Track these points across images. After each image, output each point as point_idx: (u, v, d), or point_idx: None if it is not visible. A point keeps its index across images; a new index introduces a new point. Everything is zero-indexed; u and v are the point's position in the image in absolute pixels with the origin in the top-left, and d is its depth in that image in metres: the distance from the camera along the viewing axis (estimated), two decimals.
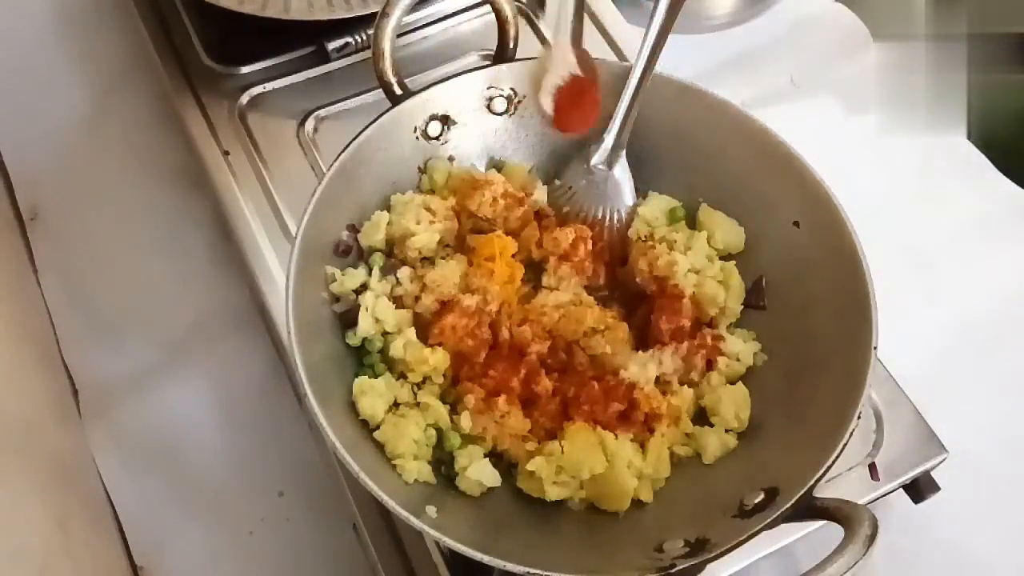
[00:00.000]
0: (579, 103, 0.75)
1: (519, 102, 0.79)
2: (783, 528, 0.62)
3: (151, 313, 0.91)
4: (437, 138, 0.78)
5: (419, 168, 0.78)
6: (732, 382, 0.71)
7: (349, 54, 0.94)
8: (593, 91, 0.74)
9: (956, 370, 0.87)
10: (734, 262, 0.75)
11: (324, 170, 0.71)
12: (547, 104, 0.75)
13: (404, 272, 0.72)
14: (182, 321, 0.91)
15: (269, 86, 0.93)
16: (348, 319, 0.71)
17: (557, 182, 0.79)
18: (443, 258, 0.74)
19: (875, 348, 0.64)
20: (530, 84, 0.76)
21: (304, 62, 0.94)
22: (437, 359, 0.69)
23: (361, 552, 0.77)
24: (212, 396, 0.87)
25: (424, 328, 0.71)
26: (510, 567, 0.58)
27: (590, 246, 0.75)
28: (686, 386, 0.71)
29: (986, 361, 0.88)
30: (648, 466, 0.68)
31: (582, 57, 0.74)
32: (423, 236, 0.73)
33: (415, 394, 0.69)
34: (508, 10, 0.77)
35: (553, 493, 0.66)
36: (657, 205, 0.77)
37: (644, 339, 0.73)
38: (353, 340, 0.70)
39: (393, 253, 0.75)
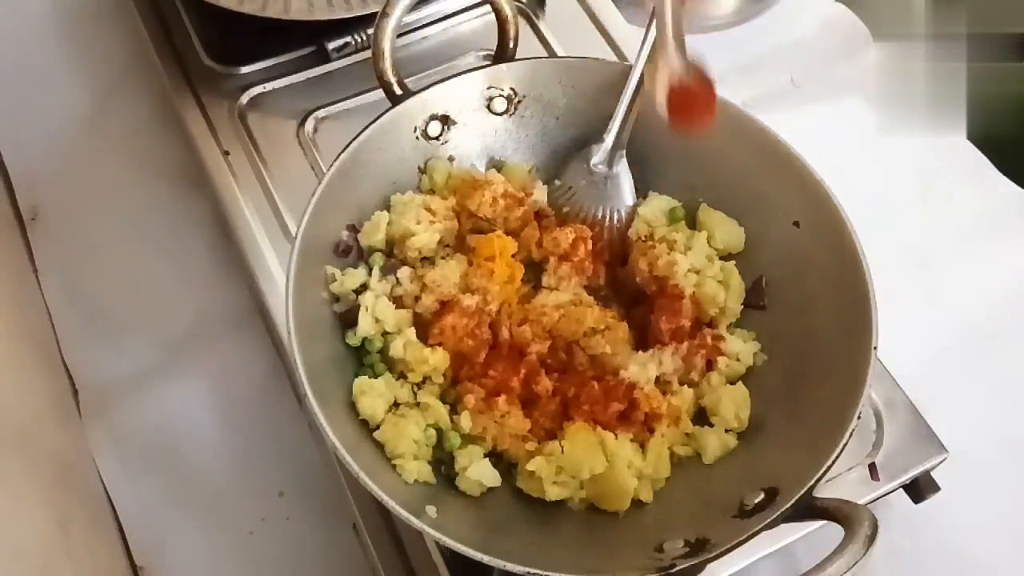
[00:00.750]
0: (693, 103, 0.71)
1: (519, 102, 0.79)
2: (783, 528, 0.62)
3: (151, 313, 0.91)
4: (437, 138, 0.78)
5: (419, 168, 0.78)
6: (732, 382, 0.71)
7: (349, 54, 0.94)
8: (706, 87, 0.71)
9: (956, 370, 0.87)
10: (734, 262, 0.75)
11: (324, 170, 0.71)
12: (662, 106, 0.71)
13: (404, 272, 0.72)
14: (182, 321, 0.91)
15: (269, 86, 0.93)
16: (348, 319, 0.71)
17: (557, 182, 0.79)
18: (443, 258, 0.74)
19: (875, 348, 0.64)
20: (646, 85, 0.74)
21: (304, 62, 0.94)
22: (437, 359, 0.69)
23: (361, 552, 0.77)
24: (212, 396, 0.87)
25: (424, 328, 0.71)
26: (510, 567, 0.58)
27: (590, 246, 0.75)
28: (686, 386, 0.71)
29: (986, 361, 0.88)
30: (648, 466, 0.68)
31: (688, 62, 0.71)
32: (423, 236, 0.73)
33: (415, 394, 0.69)
34: (508, 10, 0.77)
35: (553, 493, 0.66)
36: (657, 205, 0.77)
37: (644, 339, 0.73)
38: (353, 340, 0.70)
39: (393, 253, 0.75)
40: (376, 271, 0.73)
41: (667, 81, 0.70)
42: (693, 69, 0.70)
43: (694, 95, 0.70)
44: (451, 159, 0.79)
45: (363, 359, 0.71)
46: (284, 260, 0.71)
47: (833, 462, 0.61)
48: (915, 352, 0.84)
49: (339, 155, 0.71)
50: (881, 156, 1.00)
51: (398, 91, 0.75)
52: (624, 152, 0.76)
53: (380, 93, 0.76)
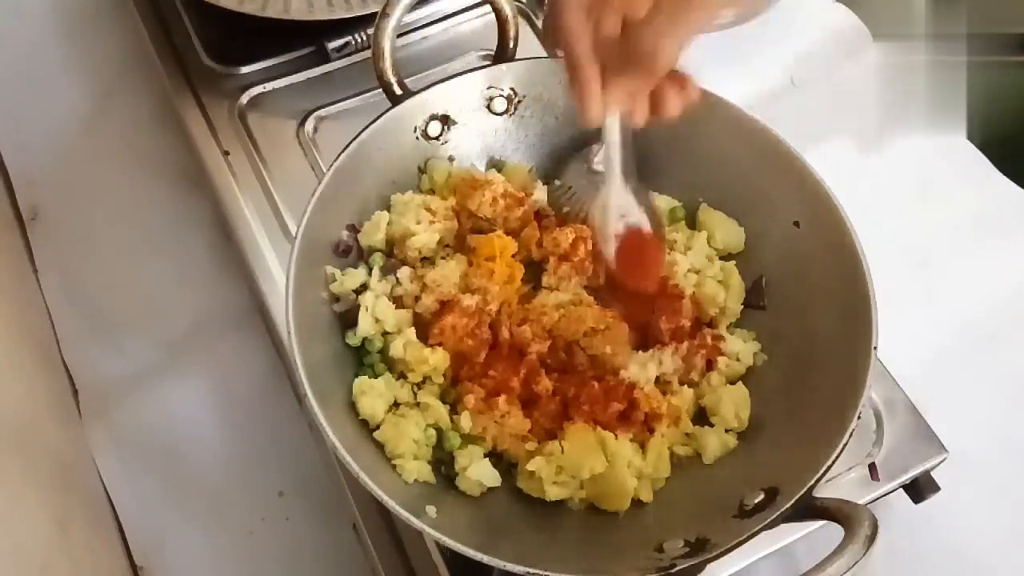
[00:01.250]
0: (640, 255, 0.69)
1: (519, 102, 0.79)
2: (783, 528, 0.62)
3: (151, 313, 0.91)
4: (437, 138, 0.78)
5: (419, 168, 0.78)
6: (732, 382, 0.71)
7: (349, 54, 0.94)
8: (655, 242, 0.68)
9: (956, 370, 0.87)
10: (734, 262, 0.75)
11: (324, 170, 0.71)
12: (610, 253, 0.68)
13: (404, 272, 0.72)
14: (182, 321, 0.91)
15: (269, 86, 0.93)
16: (348, 319, 0.71)
17: (557, 182, 0.79)
18: (443, 258, 0.74)
19: (875, 348, 0.64)
20: (592, 230, 0.71)
21: (304, 62, 0.94)
22: (437, 359, 0.69)
23: (361, 552, 0.77)
24: (212, 396, 0.87)
25: (424, 328, 0.71)
26: (510, 567, 0.58)
27: (590, 246, 0.75)
28: (686, 386, 0.71)
29: (986, 361, 0.88)
30: (648, 466, 0.68)
31: (641, 198, 0.68)
32: (423, 236, 0.73)
33: (415, 394, 0.69)
34: (508, 10, 0.77)
35: (553, 493, 0.66)
36: (657, 205, 0.77)
37: (644, 339, 0.73)
38: (353, 340, 0.70)
39: (393, 253, 0.75)
40: (376, 271, 0.73)
41: (615, 228, 0.67)
42: (644, 212, 0.67)
43: (644, 246, 0.68)
44: (451, 159, 0.79)
45: (363, 359, 0.71)
46: (284, 260, 0.71)
47: (833, 462, 0.61)
48: (915, 352, 0.84)
49: (339, 155, 0.71)
50: (881, 156, 1.00)
51: (398, 91, 0.75)
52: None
53: (380, 93, 0.76)
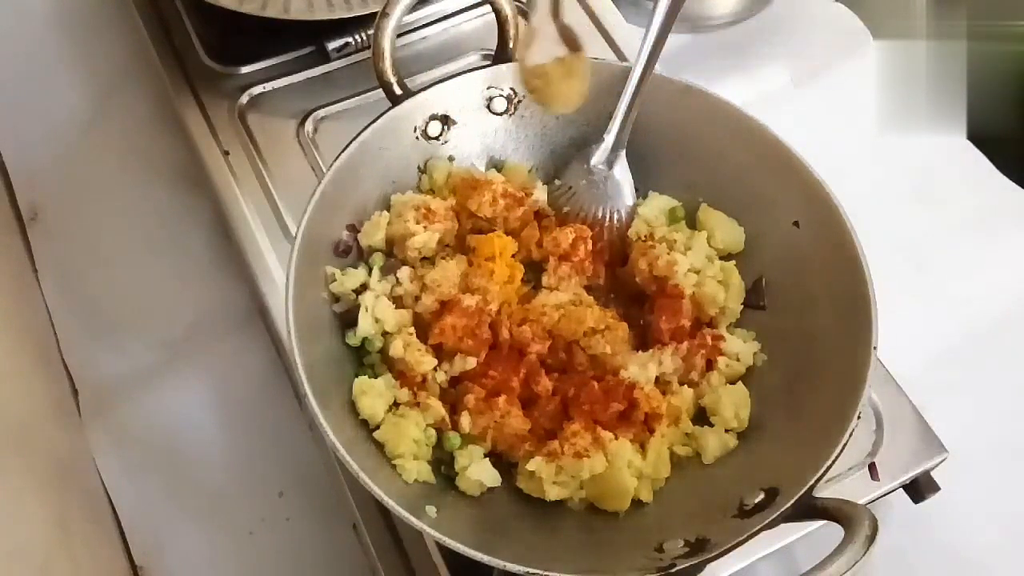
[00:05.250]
0: (564, 79, 0.71)
1: (519, 102, 0.79)
2: (783, 528, 0.62)
3: (151, 313, 0.91)
4: (437, 138, 0.78)
5: (419, 168, 0.78)
6: (732, 382, 0.71)
7: (349, 54, 0.94)
8: (579, 65, 0.71)
9: (956, 370, 0.87)
10: (734, 262, 0.75)
11: (324, 170, 0.71)
12: (531, 83, 0.71)
13: (404, 272, 0.72)
14: (182, 321, 0.91)
15: (269, 86, 0.93)
16: (348, 319, 0.71)
17: (557, 182, 0.79)
18: (443, 258, 0.74)
19: (875, 348, 0.64)
20: (516, 67, 0.74)
21: (304, 62, 0.94)
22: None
23: (361, 552, 0.77)
24: (212, 396, 0.87)
25: (424, 328, 0.71)
26: (510, 567, 0.58)
27: (590, 246, 0.75)
28: (686, 386, 0.71)
29: (986, 361, 0.88)
30: (648, 466, 0.68)
31: (564, 31, 0.70)
32: (423, 236, 0.73)
33: (415, 394, 0.69)
34: (508, 10, 0.77)
35: (553, 493, 0.66)
36: (657, 205, 0.77)
37: (644, 339, 0.73)
38: (353, 340, 0.70)
39: (393, 253, 0.75)
40: (376, 271, 0.73)
41: (541, 49, 0.69)
42: (566, 38, 0.69)
43: (567, 65, 0.70)
44: (451, 159, 0.79)
45: (363, 359, 0.71)
46: (284, 260, 0.71)
47: (833, 462, 0.61)
48: (915, 352, 0.84)
49: (339, 155, 0.71)
50: (881, 156, 1.00)
51: (398, 91, 0.75)
52: (624, 152, 0.76)
53: (380, 93, 0.76)
